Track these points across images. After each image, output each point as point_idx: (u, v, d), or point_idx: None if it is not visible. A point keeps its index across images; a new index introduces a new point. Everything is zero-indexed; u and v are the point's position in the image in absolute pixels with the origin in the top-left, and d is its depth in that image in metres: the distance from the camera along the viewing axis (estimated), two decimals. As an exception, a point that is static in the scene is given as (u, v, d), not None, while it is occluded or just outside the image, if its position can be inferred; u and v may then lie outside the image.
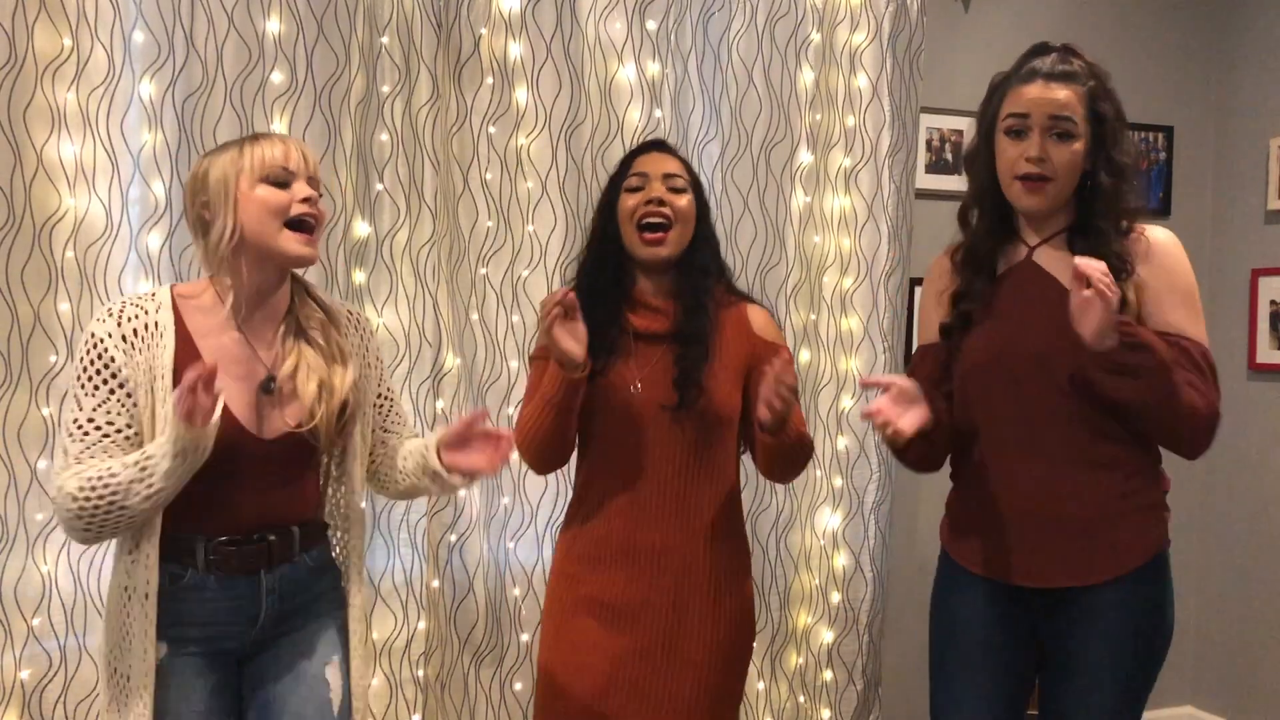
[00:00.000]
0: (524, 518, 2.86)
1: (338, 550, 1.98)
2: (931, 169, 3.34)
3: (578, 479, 2.21)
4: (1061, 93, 1.94)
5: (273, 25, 2.54)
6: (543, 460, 2.15)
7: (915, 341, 2.27)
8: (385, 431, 2.01)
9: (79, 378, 1.73)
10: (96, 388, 1.72)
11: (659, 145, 2.22)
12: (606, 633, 2.09)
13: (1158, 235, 1.98)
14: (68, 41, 2.40)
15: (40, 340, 2.41)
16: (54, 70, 2.39)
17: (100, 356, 1.73)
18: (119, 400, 1.72)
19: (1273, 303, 3.50)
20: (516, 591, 2.86)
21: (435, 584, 2.79)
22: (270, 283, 1.82)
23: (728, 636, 2.13)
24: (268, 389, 1.79)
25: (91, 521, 1.68)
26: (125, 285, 2.48)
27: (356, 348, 1.94)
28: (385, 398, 2.02)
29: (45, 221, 2.40)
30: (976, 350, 2.02)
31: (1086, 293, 1.76)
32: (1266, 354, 3.52)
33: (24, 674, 2.43)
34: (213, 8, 2.50)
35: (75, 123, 2.42)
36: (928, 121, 3.29)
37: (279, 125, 2.56)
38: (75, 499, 1.66)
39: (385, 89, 2.70)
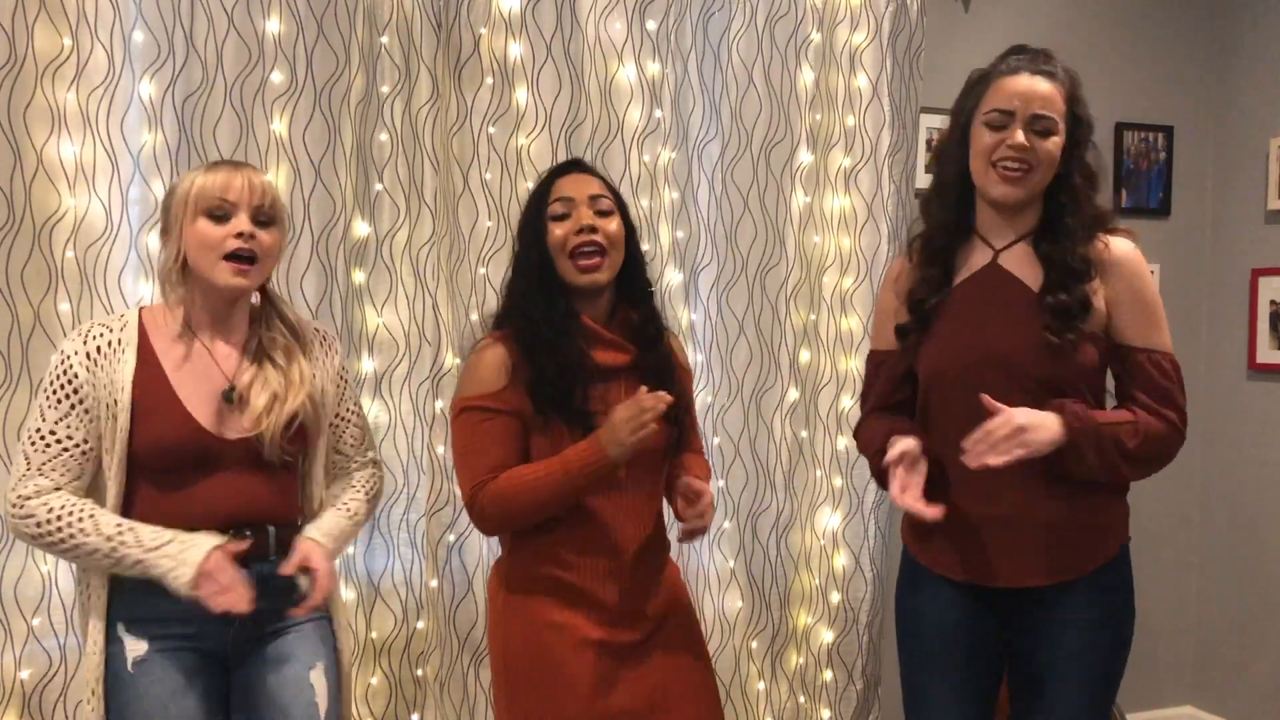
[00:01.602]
0: (524, 518, 2.86)
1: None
2: (931, 169, 3.33)
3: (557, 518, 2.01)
4: (1045, 86, 1.95)
5: (273, 25, 2.55)
6: (509, 529, 2.03)
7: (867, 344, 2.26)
8: (337, 452, 2.11)
9: (45, 390, 1.86)
10: (59, 402, 1.84)
11: (578, 165, 2.13)
12: (606, 680, 1.98)
13: (1122, 247, 1.98)
14: (68, 41, 2.40)
15: (40, 340, 2.41)
16: (54, 70, 2.39)
17: (65, 373, 1.85)
18: (78, 416, 1.84)
19: (1273, 303, 3.50)
20: (516, 591, 2.86)
21: (434, 584, 2.79)
22: (220, 304, 1.92)
23: (697, 635, 2.15)
24: (228, 398, 1.89)
25: (37, 542, 1.83)
26: (125, 285, 2.49)
27: (321, 366, 2.03)
28: (343, 419, 2.10)
29: (45, 221, 2.40)
30: (941, 354, 2.01)
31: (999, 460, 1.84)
32: (1266, 354, 3.52)
33: (24, 674, 2.43)
34: (213, 8, 2.50)
35: (75, 123, 2.42)
36: (928, 121, 3.29)
37: (279, 125, 2.56)
38: (30, 517, 1.81)
39: (385, 89, 2.70)
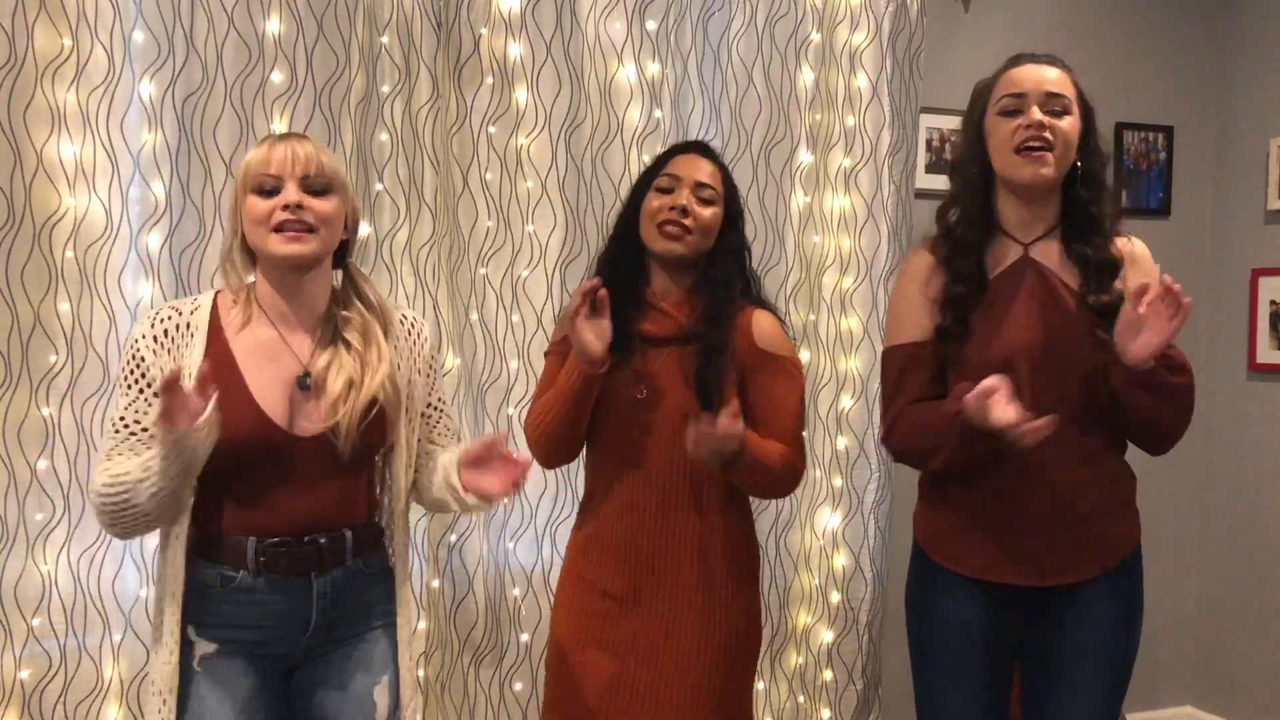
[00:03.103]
0: (524, 518, 2.86)
1: (392, 556, 1.95)
2: (931, 169, 3.33)
3: (586, 480, 2.21)
4: (1053, 72, 1.98)
5: (273, 25, 2.55)
6: (552, 453, 2.15)
7: (883, 343, 2.17)
8: (430, 443, 2.00)
9: (119, 377, 1.82)
10: (129, 387, 1.79)
11: (700, 147, 2.17)
12: (612, 634, 2.09)
13: (1139, 245, 2.04)
14: (68, 41, 2.40)
15: (40, 340, 2.41)
16: (54, 70, 2.39)
17: (134, 357, 1.80)
18: (146, 400, 1.78)
19: (1273, 303, 3.50)
20: (516, 591, 2.86)
21: (435, 584, 2.79)
22: (288, 282, 1.82)
23: (730, 639, 2.12)
24: (303, 385, 1.79)
25: (114, 517, 1.73)
26: (125, 285, 2.49)
27: (405, 353, 1.93)
28: (434, 408, 2.01)
29: (45, 221, 2.40)
30: (986, 352, 1.97)
31: (1143, 309, 1.81)
32: (1266, 354, 3.52)
33: (24, 674, 2.43)
34: (213, 8, 2.50)
35: (75, 123, 2.42)
36: (927, 121, 3.29)
37: (279, 125, 2.56)
38: (99, 495, 1.73)
39: (385, 89, 2.70)
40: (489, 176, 2.78)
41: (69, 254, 2.43)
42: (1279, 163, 3.49)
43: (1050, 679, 2.02)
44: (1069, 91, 1.97)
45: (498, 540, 2.84)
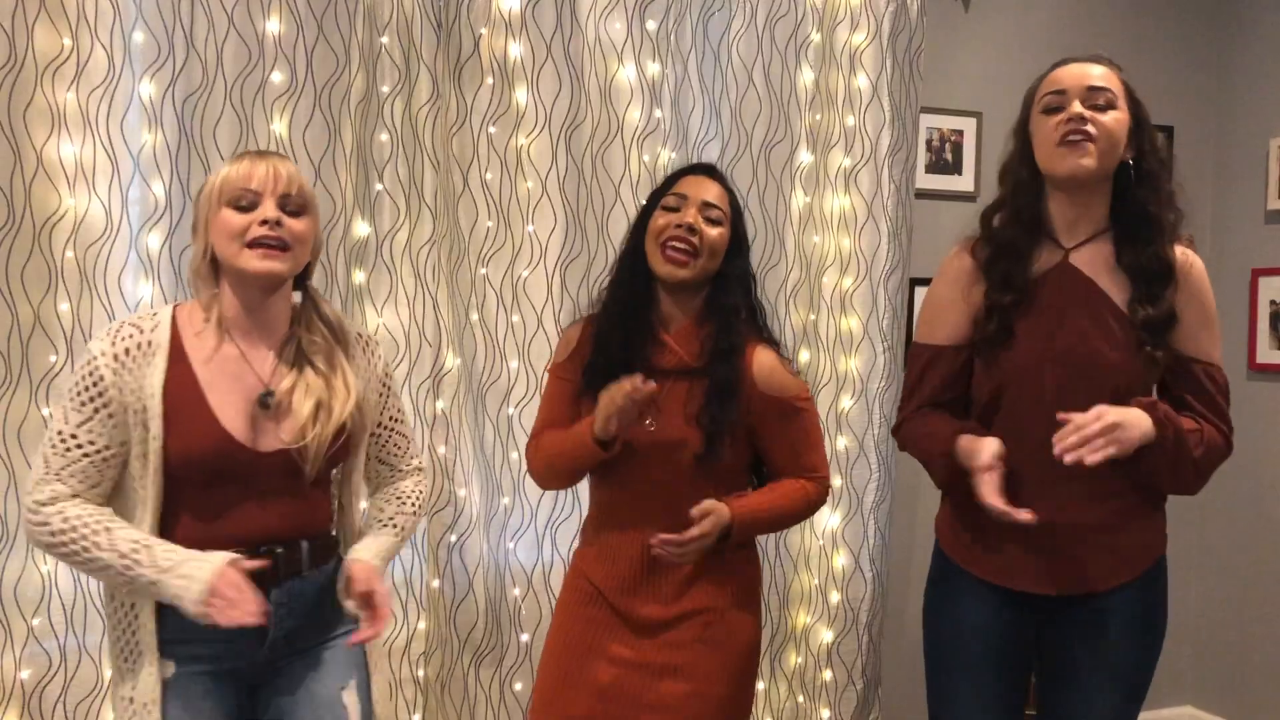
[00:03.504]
0: (524, 518, 2.86)
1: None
2: (931, 169, 3.34)
3: (593, 500, 2.21)
4: (1097, 69, 1.95)
5: (273, 25, 2.54)
6: (555, 486, 2.27)
7: (913, 336, 2.20)
8: (380, 462, 2.04)
9: (71, 391, 1.76)
10: (84, 404, 1.75)
11: (708, 169, 2.15)
12: (616, 648, 2.08)
13: (1195, 260, 1.99)
14: (68, 41, 2.40)
15: (40, 340, 2.41)
16: (54, 70, 2.39)
17: (92, 374, 1.75)
18: (101, 421, 1.75)
19: (1273, 303, 3.50)
20: (516, 592, 2.86)
21: (435, 584, 2.79)
22: (254, 299, 1.82)
23: (734, 656, 2.11)
24: (264, 404, 1.79)
25: (52, 552, 1.74)
26: (125, 285, 2.49)
27: (362, 373, 1.93)
28: (386, 426, 2.02)
29: (45, 221, 2.40)
30: (1019, 356, 1.96)
31: (1064, 456, 1.79)
32: (1266, 354, 3.52)
33: (24, 674, 2.43)
34: (213, 8, 2.50)
35: (75, 123, 2.42)
36: (927, 121, 3.29)
37: (279, 125, 2.56)
38: (53, 534, 1.72)
39: (385, 89, 2.70)
40: (489, 176, 2.78)
41: (69, 254, 2.42)
42: (1279, 163, 3.49)
43: (1065, 689, 2.00)
44: (1114, 86, 1.93)
45: (498, 540, 2.84)
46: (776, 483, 2.14)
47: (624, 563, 2.10)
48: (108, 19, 2.43)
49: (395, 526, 1.98)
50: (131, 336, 1.77)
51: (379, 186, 2.71)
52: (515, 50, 2.77)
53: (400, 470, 2.06)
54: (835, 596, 3.15)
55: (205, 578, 1.66)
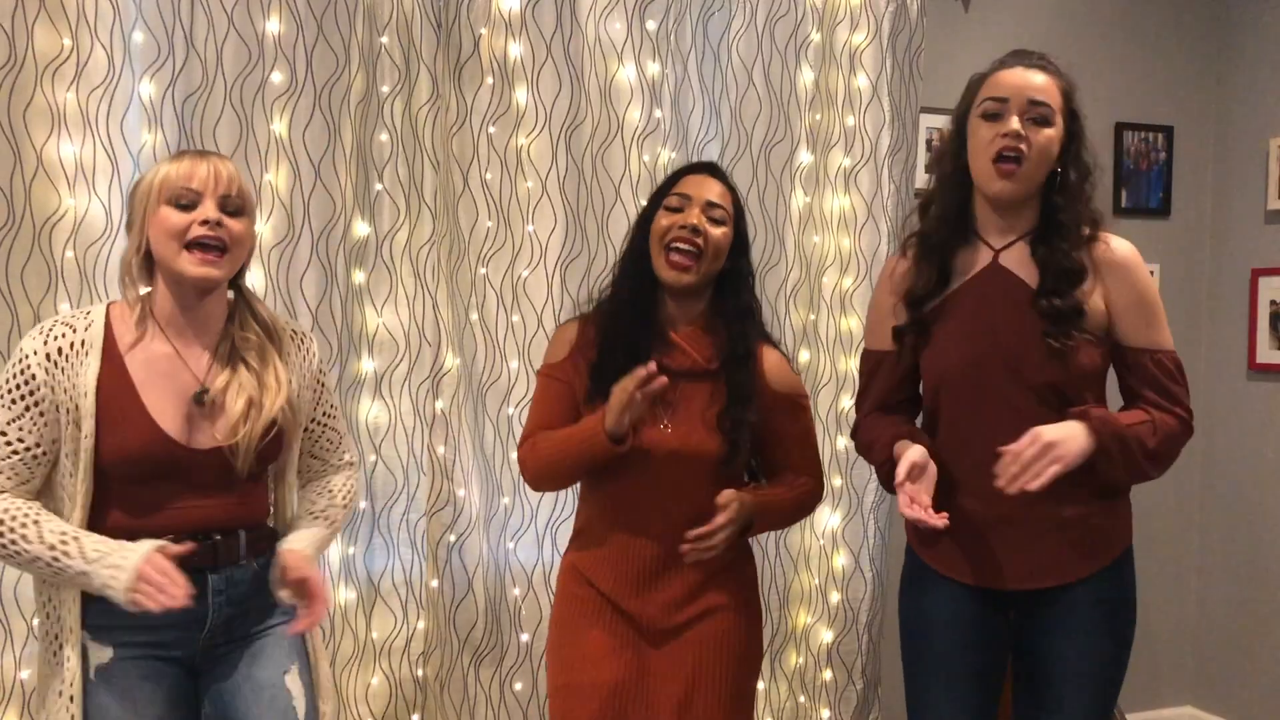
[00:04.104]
0: (524, 518, 2.86)
1: None
2: (931, 169, 3.33)
3: (590, 502, 2.15)
4: (1040, 78, 1.95)
5: (273, 25, 2.55)
6: (551, 488, 2.21)
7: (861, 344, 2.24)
8: (312, 456, 2.06)
9: (1, 388, 1.76)
10: (14, 403, 1.75)
11: (710, 168, 2.14)
12: (624, 651, 2.06)
13: (1121, 247, 1.98)
14: (68, 41, 2.40)
15: (40, 340, 2.41)
16: (54, 70, 2.39)
17: (23, 373, 1.75)
18: (32, 419, 1.75)
19: (1273, 303, 3.50)
20: (516, 591, 2.86)
21: (435, 584, 2.79)
22: (189, 299, 1.82)
23: (742, 650, 2.12)
24: (199, 400, 1.80)
25: None
26: (125, 285, 2.49)
27: (296, 369, 1.94)
28: (319, 422, 2.04)
29: (45, 221, 2.40)
30: (947, 355, 2.00)
31: (1007, 487, 1.82)
32: (1266, 354, 3.52)
33: (24, 674, 2.43)
34: (213, 8, 2.50)
35: (75, 123, 2.42)
36: (927, 121, 3.29)
37: (279, 125, 2.56)
38: None
39: (385, 89, 2.70)
40: (489, 176, 2.78)
41: (69, 254, 2.42)
42: (1279, 162, 3.49)
43: (1035, 684, 2.01)
44: (1054, 100, 1.94)
45: (498, 540, 2.84)
46: (784, 477, 2.14)
47: (635, 564, 2.06)
48: (108, 19, 2.43)
49: (326, 519, 2.01)
50: (64, 336, 1.77)
51: (379, 186, 2.71)
52: (515, 50, 2.77)
53: (331, 465, 2.09)
54: (835, 596, 3.15)
55: (133, 565, 1.67)
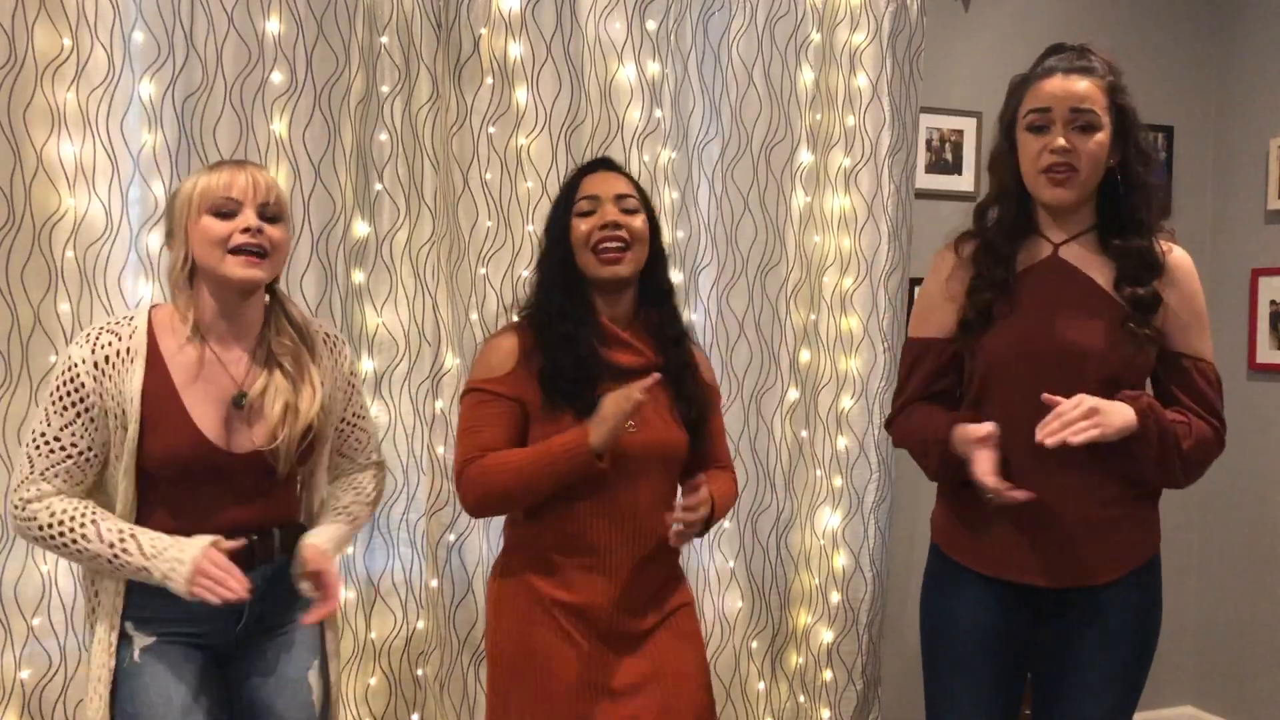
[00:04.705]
0: (524, 518, 2.86)
1: None
2: (931, 169, 3.34)
3: (549, 524, 2.02)
4: (1081, 84, 1.95)
5: (273, 25, 2.55)
6: (494, 513, 2.13)
7: (907, 333, 2.24)
8: (340, 455, 2.11)
9: (51, 395, 1.84)
10: (65, 409, 1.83)
11: (606, 164, 2.14)
12: (609, 680, 2.01)
13: (1180, 255, 2.01)
14: (68, 41, 2.40)
15: (40, 340, 2.41)
16: (54, 70, 2.39)
17: (73, 380, 1.83)
18: (84, 424, 1.83)
19: (1273, 303, 3.50)
20: (516, 591, 2.86)
21: (434, 583, 2.79)
22: (231, 304, 1.90)
23: (701, 642, 2.14)
24: (238, 404, 1.88)
25: (40, 545, 1.85)
26: (125, 285, 2.49)
27: (329, 372, 2.01)
28: (349, 423, 2.09)
29: (45, 221, 2.40)
30: (1001, 346, 1.99)
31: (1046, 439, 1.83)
32: (1266, 354, 3.52)
33: (24, 674, 2.43)
34: (213, 8, 2.50)
35: (75, 123, 2.42)
36: (928, 121, 3.29)
37: (279, 125, 2.56)
38: (40, 529, 1.82)
39: (385, 89, 2.70)
40: (489, 176, 2.78)
41: (69, 254, 2.43)
42: (1279, 162, 3.49)
43: (1060, 684, 2.01)
44: (1098, 103, 1.94)
45: (497, 540, 2.83)
46: (714, 472, 2.13)
47: (622, 577, 2.01)
48: (108, 19, 2.43)
49: (349, 515, 2.07)
50: (110, 344, 1.84)
51: (379, 186, 2.71)
52: (515, 50, 2.77)
53: (359, 464, 2.14)
54: (835, 597, 3.15)
55: (191, 559, 1.77)
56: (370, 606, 2.76)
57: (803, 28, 3.05)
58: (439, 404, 2.77)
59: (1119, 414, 1.86)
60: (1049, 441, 1.82)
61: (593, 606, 2.01)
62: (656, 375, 1.93)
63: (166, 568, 1.77)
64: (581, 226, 2.03)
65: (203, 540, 1.80)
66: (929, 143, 3.33)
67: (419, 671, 2.81)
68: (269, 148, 2.56)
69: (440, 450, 2.76)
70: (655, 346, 2.07)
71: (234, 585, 1.77)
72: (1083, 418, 1.82)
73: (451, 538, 2.79)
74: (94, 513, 1.82)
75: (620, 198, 2.05)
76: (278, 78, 2.56)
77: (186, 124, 2.50)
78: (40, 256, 2.40)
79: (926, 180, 3.31)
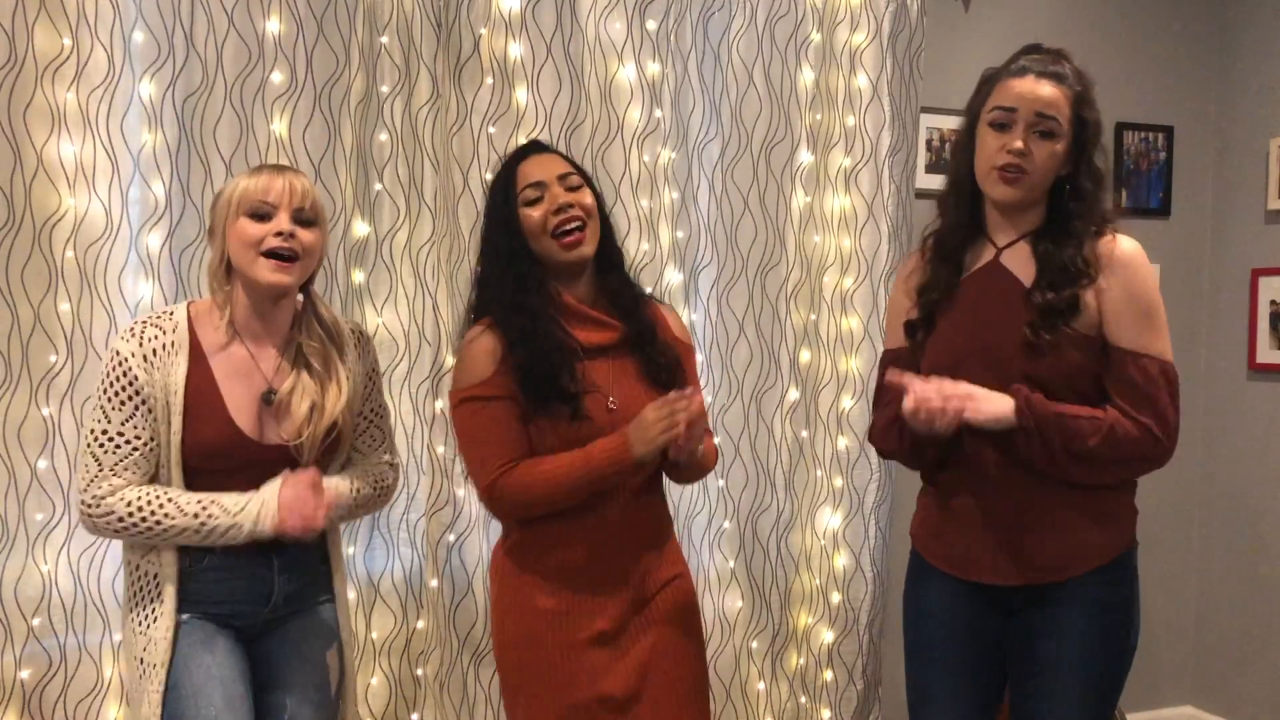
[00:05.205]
0: (524, 518, 2.86)
1: (329, 540, 2.13)
2: (931, 169, 3.33)
3: (546, 525, 2.02)
4: (1049, 90, 1.95)
5: (273, 25, 2.55)
6: (535, 515, 2.02)
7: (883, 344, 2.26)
8: (354, 450, 2.15)
9: (105, 392, 1.91)
10: (123, 403, 1.90)
11: (538, 147, 2.11)
12: (605, 662, 2.00)
13: (1124, 246, 1.97)
14: (68, 41, 2.40)
15: (40, 340, 2.41)
16: (54, 70, 2.39)
17: (125, 374, 1.90)
18: (142, 416, 1.90)
19: (1273, 303, 3.50)
20: (516, 591, 2.86)
21: (434, 583, 2.79)
22: (264, 304, 1.97)
23: (696, 623, 2.14)
24: (268, 400, 1.96)
25: (120, 537, 1.92)
26: (125, 285, 2.49)
27: (354, 367, 2.07)
28: (366, 418, 2.14)
29: (45, 221, 2.40)
30: (938, 350, 2.02)
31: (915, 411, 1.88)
32: (1266, 354, 3.52)
33: (24, 674, 2.43)
34: (213, 8, 2.50)
35: (75, 123, 2.42)
36: (928, 121, 3.29)
37: (279, 125, 2.56)
38: (120, 520, 1.89)
39: (385, 89, 2.70)
40: (489, 176, 2.77)
41: (69, 254, 2.43)
42: (1279, 163, 3.49)
43: (1028, 680, 2.01)
44: (1061, 112, 1.94)
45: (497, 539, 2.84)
46: None
47: (618, 546, 2.02)
48: (108, 19, 2.43)
49: (352, 484, 2.07)
50: (157, 338, 1.92)
51: (379, 186, 2.71)
52: (515, 50, 2.77)
53: (370, 460, 2.16)
54: (836, 597, 3.15)
55: (275, 494, 1.90)
56: (370, 606, 2.76)
57: (803, 28, 3.05)
58: (439, 403, 2.77)
59: (992, 402, 1.89)
60: (914, 418, 1.88)
61: (597, 591, 2.00)
62: (691, 391, 1.94)
63: (255, 512, 1.88)
64: (534, 214, 2.00)
65: (276, 481, 1.91)
66: (929, 143, 3.33)
67: (419, 671, 2.81)
68: (269, 148, 2.56)
69: (440, 450, 2.76)
70: (621, 316, 2.06)
71: (309, 512, 1.89)
72: (953, 396, 1.86)
73: (451, 538, 2.79)
74: (165, 492, 1.90)
75: (563, 177, 2.02)
76: (278, 78, 2.56)
77: (186, 124, 2.50)
78: (40, 256, 2.40)
79: (926, 180, 3.30)
